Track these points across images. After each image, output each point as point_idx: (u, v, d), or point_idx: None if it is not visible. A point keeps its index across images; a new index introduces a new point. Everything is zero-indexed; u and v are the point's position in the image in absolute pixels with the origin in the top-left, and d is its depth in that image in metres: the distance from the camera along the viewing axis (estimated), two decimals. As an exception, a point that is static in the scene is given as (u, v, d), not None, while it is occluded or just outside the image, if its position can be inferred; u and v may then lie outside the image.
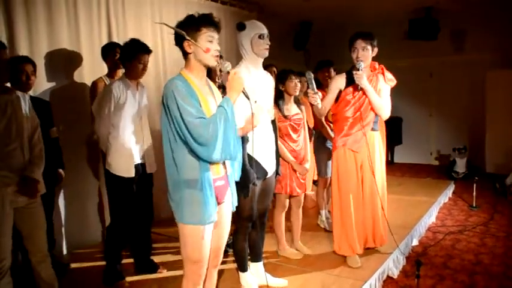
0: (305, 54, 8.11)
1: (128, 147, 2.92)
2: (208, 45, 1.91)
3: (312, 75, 2.89)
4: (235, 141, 1.94)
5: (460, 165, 6.79)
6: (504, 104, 6.76)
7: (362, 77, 3.01)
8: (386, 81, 3.18)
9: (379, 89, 3.15)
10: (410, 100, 7.76)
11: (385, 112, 3.16)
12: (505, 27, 6.79)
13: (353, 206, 3.16)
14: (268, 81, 2.67)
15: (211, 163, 1.92)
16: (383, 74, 3.19)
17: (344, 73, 3.19)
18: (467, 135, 7.53)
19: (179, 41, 1.94)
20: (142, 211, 3.10)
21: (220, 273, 3.03)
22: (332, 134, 3.93)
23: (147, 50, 2.98)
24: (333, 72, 4.02)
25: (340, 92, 3.15)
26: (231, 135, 1.89)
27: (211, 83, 2.11)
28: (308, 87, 2.91)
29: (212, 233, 2.01)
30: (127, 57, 2.94)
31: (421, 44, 7.17)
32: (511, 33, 6.77)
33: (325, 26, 7.55)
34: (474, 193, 5.05)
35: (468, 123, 7.54)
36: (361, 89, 3.06)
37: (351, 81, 3.10)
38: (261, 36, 2.49)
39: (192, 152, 1.86)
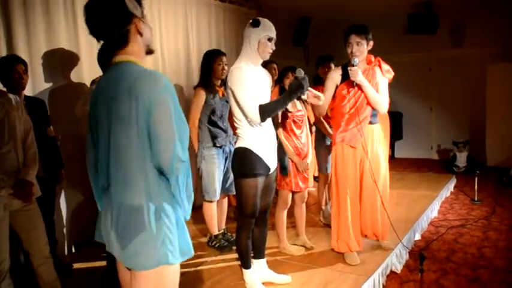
0: (304, 50, 8.10)
1: None
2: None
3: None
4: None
5: (461, 159, 6.79)
6: (505, 98, 6.75)
7: (357, 73, 2.93)
8: (384, 74, 3.11)
9: (376, 83, 3.08)
10: (410, 95, 7.76)
11: (383, 107, 3.08)
12: (504, 21, 6.78)
13: (349, 202, 3.11)
14: (266, 79, 2.68)
15: None
16: (380, 66, 3.11)
17: (339, 68, 3.14)
18: (468, 129, 7.52)
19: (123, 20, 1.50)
20: None
21: (224, 270, 3.04)
22: (330, 130, 3.94)
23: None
24: (333, 67, 4.02)
25: (337, 87, 3.10)
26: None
27: None
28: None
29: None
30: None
31: (420, 38, 7.15)
32: (511, 27, 6.76)
33: (324, 22, 7.52)
34: (476, 187, 5.05)
35: (469, 117, 7.54)
36: (357, 84, 2.98)
37: (346, 77, 3.03)
38: (269, 39, 2.50)
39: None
